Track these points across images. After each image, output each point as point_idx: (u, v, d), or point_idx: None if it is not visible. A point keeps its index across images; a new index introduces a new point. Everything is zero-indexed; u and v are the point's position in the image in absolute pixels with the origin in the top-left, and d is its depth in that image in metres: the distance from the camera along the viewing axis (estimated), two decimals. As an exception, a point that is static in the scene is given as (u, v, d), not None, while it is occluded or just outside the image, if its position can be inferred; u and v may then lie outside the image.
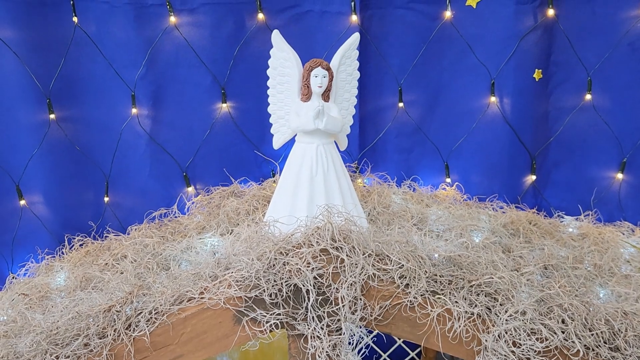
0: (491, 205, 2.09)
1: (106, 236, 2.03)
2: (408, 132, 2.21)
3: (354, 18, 2.02)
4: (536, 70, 2.08)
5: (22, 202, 2.06)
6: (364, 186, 2.07)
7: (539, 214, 2.11)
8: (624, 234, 2.07)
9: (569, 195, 2.21)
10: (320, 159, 1.58)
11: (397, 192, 2.01)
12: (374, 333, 2.29)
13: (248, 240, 1.46)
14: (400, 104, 2.15)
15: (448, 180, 2.21)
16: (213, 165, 2.14)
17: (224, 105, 2.09)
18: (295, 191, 1.57)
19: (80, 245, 2.02)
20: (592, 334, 1.35)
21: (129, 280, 1.50)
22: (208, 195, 2.07)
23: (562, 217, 2.14)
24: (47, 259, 1.99)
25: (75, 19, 1.95)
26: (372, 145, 2.19)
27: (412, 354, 2.39)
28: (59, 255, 2.00)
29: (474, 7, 2.05)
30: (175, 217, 2.06)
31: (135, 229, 1.98)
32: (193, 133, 2.12)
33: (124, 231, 2.04)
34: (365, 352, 1.41)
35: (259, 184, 2.03)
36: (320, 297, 1.30)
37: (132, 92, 2.02)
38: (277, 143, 1.70)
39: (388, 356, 2.39)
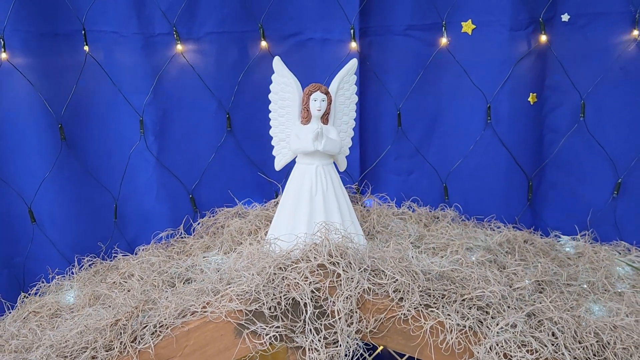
0: (488, 225, 2.15)
1: (115, 256, 2.09)
2: (407, 154, 2.27)
3: (354, 45, 2.10)
4: (530, 94, 2.15)
5: (34, 224, 2.13)
6: (364, 207, 2.13)
7: (535, 233, 2.16)
8: (619, 253, 2.11)
9: (565, 216, 2.25)
10: (319, 179, 1.65)
11: (396, 213, 2.07)
12: (377, 351, 2.35)
13: (249, 256, 1.52)
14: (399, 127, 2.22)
15: (447, 200, 2.26)
16: (218, 187, 2.20)
17: (229, 129, 2.16)
18: (295, 210, 1.64)
19: (90, 265, 2.09)
20: (582, 346, 1.39)
21: (136, 296, 1.56)
22: (213, 216, 2.13)
23: (559, 237, 2.19)
24: (57, 278, 2.05)
25: (86, 47, 2.03)
26: (372, 168, 2.26)
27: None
28: (69, 275, 2.06)
29: (470, 34, 2.13)
30: (182, 237, 2.13)
31: (143, 249, 2.05)
32: (199, 157, 2.19)
33: (132, 252, 2.10)
34: (362, 364, 1.45)
35: (262, 205, 2.10)
36: (318, 310, 1.36)
37: (140, 117, 2.10)
38: (278, 164, 1.78)
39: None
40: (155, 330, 1.41)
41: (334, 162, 1.74)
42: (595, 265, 1.95)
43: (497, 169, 2.23)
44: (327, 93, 1.66)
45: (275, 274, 1.38)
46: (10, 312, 1.92)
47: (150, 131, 2.12)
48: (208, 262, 1.76)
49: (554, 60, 2.13)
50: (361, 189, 2.24)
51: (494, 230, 2.10)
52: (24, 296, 2.04)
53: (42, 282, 2.06)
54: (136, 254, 2.05)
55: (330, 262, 1.38)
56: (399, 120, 2.20)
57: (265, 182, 2.19)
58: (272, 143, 1.76)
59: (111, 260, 2.09)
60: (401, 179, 2.29)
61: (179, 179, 2.18)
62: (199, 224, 2.14)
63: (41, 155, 2.08)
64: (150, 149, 2.13)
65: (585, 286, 1.78)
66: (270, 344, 1.39)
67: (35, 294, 2.02)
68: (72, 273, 2.06)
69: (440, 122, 2.25)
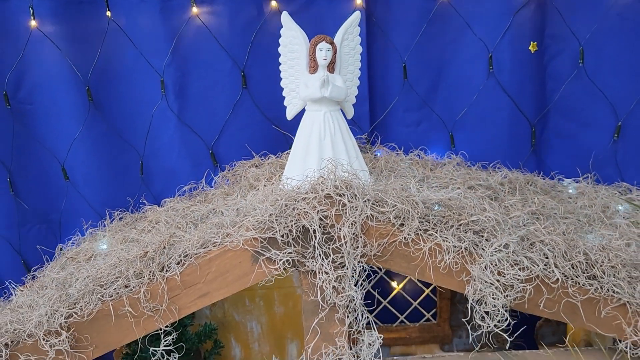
0: (493, 170, 2.25)
1: (143, 210, 2.25)
2: (415, 107, 2.38)
3: (359, 1, 2.21)
4: (531, 42, 2.24)
5: (67, 181, 2.29)
6: (374, 156, 2.25)
7: (538, 176, 2.26)
8: (620, 193, 2.20)
9: (568, 160, 2.35)
10: (327, 124, 1.77)
11: (403, 160, 2.19)
12: (389, 297, 2.49)
13: (264, 194, 1.66)
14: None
15: (453, 148, 2.37)
16: (236, 142, 2.34)
17: (244, 87, 2.29)
18: (306, 153, 1.77)
19: (120, 218, 2.26)
20: (571, 264, 1.51)
21: (162, 233, 1.71)
22: (232, 169, 2.27)
23: (562, 180, 2.29)
24: (91, 230, 2.21)
25: (108, 13, 2.17)
26: (381, 119, 2.37)
27: (428, 315, 2.57)
28: (102, 227, 2.23)
29: (470, -14, 2.23)
30: (203, 190, 2.27)
31: (169, 201, 2.20)
32: (217, 114, 2.32)
33: (158, 205, 2.26)
34: (366, 288, 1.58)
35: (277, 156, 2.23)
36: (325, 236, 1.49)
37: (161, 77, 2.23)
38: (290, 114, 1.91)
39: (405, 318, 2.57)
40: (181, 260, 1.56)
41: (342, 110, 1.86)
42: (594, 202, 2.04)
43: (501, 117, 2.33)
44: (332, 43, 1.78)
45: (286, 205, 1.51)
46: (49, 264, 2.09)
47: (171, 91, 2.26)
48: (228, 206, 1.90)
49: (553, 9, 2.21)
50: (371, 139, 2.36)
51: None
52: (61, 248, 2.22)
53: (77, 235, 2.23)
54: (162, 206, 2.20)
55: (336, 193, 1.50)
56: (405, 72, 2.31)
57: (280, 136, 2.32)
58: (283, 94, 1.89)
59: (140, 212, 2.25)
60: (409, 130, 2.41)
61: (199, 135, 2.32)
62: (219, 176, 2.28)
63: (71, 116, 2.24)
64: (171, 108, 2.28)
65: (581, 218, 1.88)
66: (284, 269, 1.53)
67: (72, 245, 2.19)
68: (104, 225, 2.23)
69: (446, 74, 2.35)
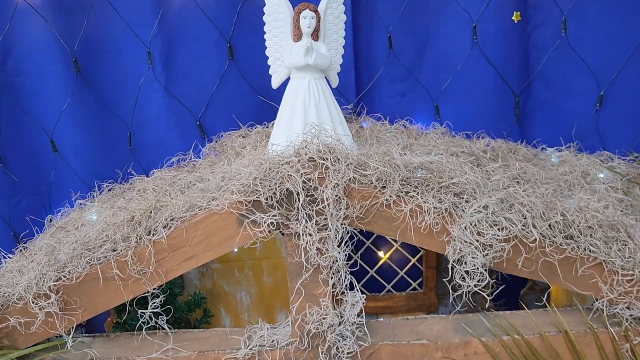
0: (477, 139, 2.28)
1: (131, 181, 2.28)
2: (400, 77, 2.40)
3: (344, -28, 2.22)
4: (514, 12, 2.26)
5: (56, 153, 2.31)
6: (360, 126, 2.27)
7: (521, 145, 2.30)
8: (602, 162, 2.24)
9: (551, 130, 2.38)
10: (312, 91, 1.80)
11: (389, 130, 2.21)
12: (376, 266, 2.53)
13: (249, 159, 1.68)
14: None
15: (438, 118, 2.40)
16: (223, 114, 2.35)
17: (231, 58, 2.31)
18: (291, 120, 1.79)
19: (109, 190, 2.28)
20: (549, 224, 1.55)
21: (149, 200, 1.74)
22: (220, 140, 2.29)
23: (545, 149, 2.32)
24: (80, 202, 2.23)
25: (94, -17, 2.19)
26: (367, 91, 2.39)
27: (414, 284, 2.61)
28: (91, 198, 2.25)
29: (453, -45, 2.24)
30: (191, 161, 2.30)
31: (157, 172, 2.22)
32: (204, 85, 2.34)
33: (147, 176, 2.28)
34: (350, 247, 1.62)
35: (263, 126, 2.25)
36: (309, 198, 1.52)
37: (147, 49, 2.25)
38: (275, 82, 1.93)
39: (392, 287, 2.62)
40: (167, 224, 1.59)
41: (326, 78, 1.88)
42: (575, 169, 2.08)
43: (485, 87, 2.36)
44: (315, 11, 1.79)
45: (270, 168, 1.54)
46: (39, 235, 2.12)
47: (158, 62, 2.27)
48: (214, 174, 1.92)
49: (535, -22, 2.24)
50: (357, 110, 2.38)
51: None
52: (50, 219, 2.24)
53: (67, 206, 2.26)
54: (150, 176, 2.22)
55: (319, 157, 1.53)
56: (390, 43, 2.32)
57: (266, 107, 2.34)
58: (268, 62, 1.91)
59: (128, 184, 2.27)
60: (395, 101, 2.43)
61: (186, 107, 2.34)
62: (206, 148, 2.31)
63: (59, 88, 2.25)
64: (158, 79, 2.29)
65: (562, 184, 1.92)
66: (268, 231, 1.56)
67: (62, 216, 2.21)
68: (93, 197, 2.25)
69: (431, 45, 2.37)
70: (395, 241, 2.57)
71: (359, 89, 2.39)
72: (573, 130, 2.34)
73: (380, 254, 2.58)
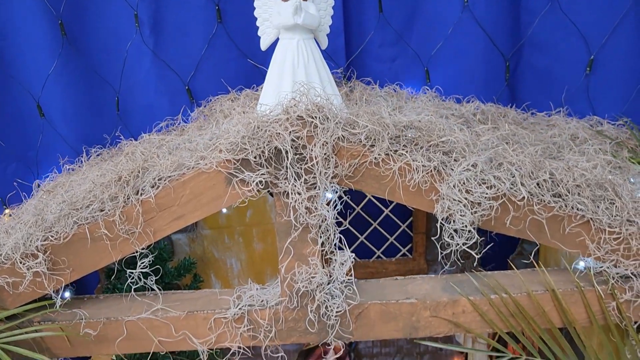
0: (467, 104, 2.28)
1: (119, 146, 2.26)
2: (390, 42, 2.38)
3: None
4: (506, -24, 2.24)
5: (43, 118, 2.28)
6: (350, 90, 2.26)
7: (511, 109, 2.30)
8: (592, 127, 2.24)
9: (541, 95, 2.37)
10: (301, 52, 1.78)
11: (379, 94, 2.20)
12: (366, 232, 2.53)
13: (238, 119, 1.67)
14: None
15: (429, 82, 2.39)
16: (213, 78, 2.33)
17: (219, 21, 2.28)
18: (280, 80, 1.78)
19: (97, 155, 2.26)
20: (537, 183, 1.55)
21: (137, 160, 1.73)
22: (209, 104, 2.28)
23: (535, 114, 2.32)
24: (68, 167, 2.22)
25: (79, -55, 2.14)
26: (357, 55, 2.37)
27: (404, 250, 2.62)
28: (79, 164, 2.23)
29: None
30: (180, 125, 2.28)
31: (145, 135, 2.20)
32: (193, 49, 2.31)
33: (135, 140, 2.26)
34: (339, 208, 1.62)
35: (253, 89, 2.23)
36: (297, 157, 1.51)
37: (134, 11, 2.21)
38: (264, 44, 1.91)
39: (381, 253, 2.63)
40: (155, 183, 1.58)
41: (316, 40, 1.86)
42: (564, 132, 2.08)
43: (475, 52, 2.34)
44: (304, -30, 1.77)
45: (259, 127, 1.53)
46: (27, 200, 2.10)
47: (146, 25, 2.24)
48: (203, 137, 1.91)
49: (528, -61, 2.22)
50: (347, 75, 2.37)
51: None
52: (38, 184, 2.22)
53: (55, 172, 2.24)
54: (138, 140, 2.21)
55: (308, 115, 1.52)
56: (380, 5, 2.30)
57: (256, 71, 2.31)
58: (257, 24, 1.89)
59: (116, 148, 2.26)
60: (386, 67, 2.41)
61: (175, 71, 2.31)
62: (195, 112, 2.29)
63: (45, 52, 2.21)
64: (146, 43, 2.26)
65: (550, 146, 1.92)
66: (257, 190, 1.55)
67: (49, 181, 2.20)
68: (81, 162, 2.24)
69: (422, 9, 2.34)
70: (385, 207, 2.57)
71: (349, 53, 2.37)
72: (563, 95, 2.33)
73: (370, 220, 2.58)
